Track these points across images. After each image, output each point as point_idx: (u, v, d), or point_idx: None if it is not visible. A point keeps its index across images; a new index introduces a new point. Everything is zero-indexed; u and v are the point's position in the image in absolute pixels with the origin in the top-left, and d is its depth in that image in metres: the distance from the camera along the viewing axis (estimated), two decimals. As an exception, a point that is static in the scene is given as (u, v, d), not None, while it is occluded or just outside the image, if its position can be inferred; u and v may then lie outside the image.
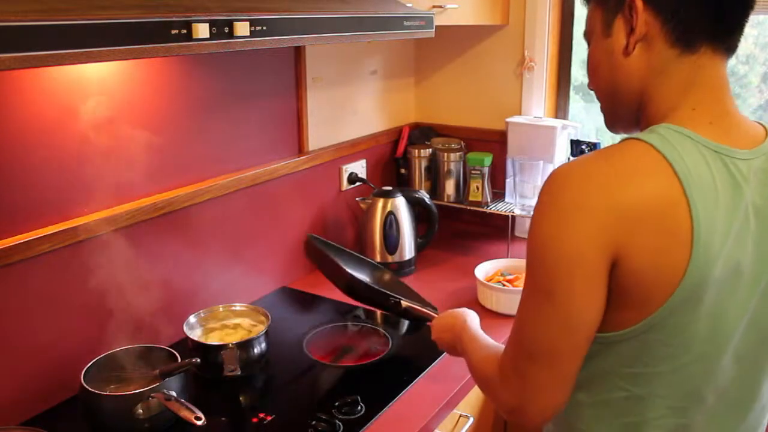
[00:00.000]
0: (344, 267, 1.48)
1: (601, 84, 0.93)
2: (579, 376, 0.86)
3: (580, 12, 2.17)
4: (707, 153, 0.81)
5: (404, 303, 1.45)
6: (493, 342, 1.07)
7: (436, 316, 1.34)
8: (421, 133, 2.30)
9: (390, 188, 1.98)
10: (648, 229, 0.77)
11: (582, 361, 0.84)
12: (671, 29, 0.84)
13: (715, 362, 0.86)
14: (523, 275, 1.76)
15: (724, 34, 0.85)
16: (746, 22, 0.86)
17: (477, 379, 1.02)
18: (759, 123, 0.91)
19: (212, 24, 0.98)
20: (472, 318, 1.21)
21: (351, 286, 1.46)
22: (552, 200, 0.81)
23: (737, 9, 0.85)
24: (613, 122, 0.97)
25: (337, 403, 1.32)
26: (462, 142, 2.24)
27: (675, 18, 0.83)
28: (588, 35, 0.95)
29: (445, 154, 2.20)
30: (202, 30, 0.96)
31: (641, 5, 0.84)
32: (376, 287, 1.49)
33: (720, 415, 0.90)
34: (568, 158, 2.07)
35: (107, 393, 1.26)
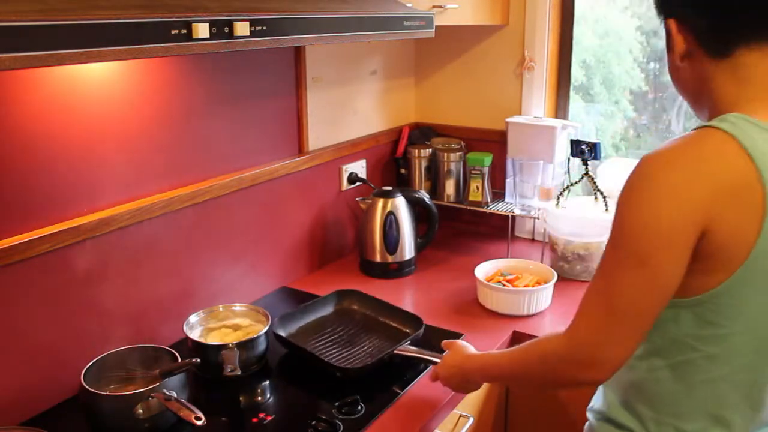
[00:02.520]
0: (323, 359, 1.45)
1: (677, 85, 1.07)
2: (654, 342, 0.99)
3: (580, 12, 2.17)
4: None
5: (400, 351, 1.44)
6: (515, 349, 1.15)
7: (438, 360, 1.36)
8: (421, 133, 2.30)
9: (390, 188, 1.98)
10: (733, 203, 0.89)
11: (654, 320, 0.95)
12: (703, 43, 0.97)
13: None
14: (523, 275, 1.79)
15: (730, 41, 0.96)
16: None
17: (525, 370, 1.11)
18: None
19: (212, 24, 0.98)
20: (470, 348, 1.32)
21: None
22: (649, 182, 0.91)
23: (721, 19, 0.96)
24: (695, 111, 1.08)
25: (337, 403, 1.32)
26: (462, 142, 2.24)
27: (704, 34, 0.96)
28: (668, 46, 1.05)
29: (445, 154, 2.20)
30: (202, 30, 0.96)
31: (675, 28, 0.99)
32: (370, 361, 1.44)
33: None
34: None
35: (107, 393, 1.26)
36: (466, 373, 1.27)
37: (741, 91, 0.96)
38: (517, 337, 1.64)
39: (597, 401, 1.16)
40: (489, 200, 2.13)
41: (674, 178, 0.90)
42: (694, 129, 0.95)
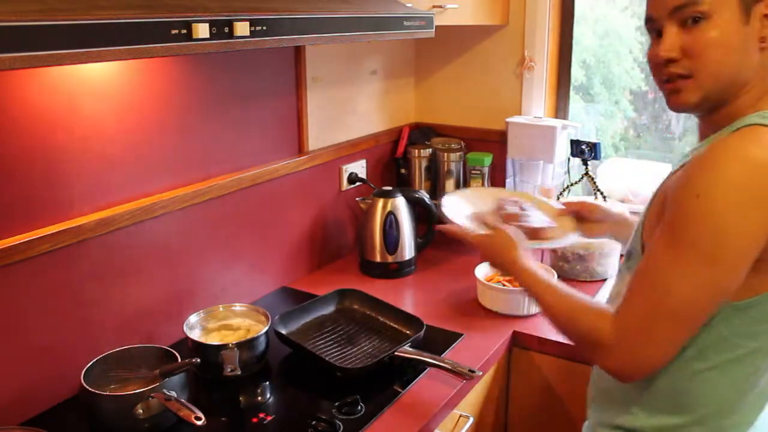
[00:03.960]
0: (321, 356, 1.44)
1: (725, 66, 0.95)
2: (696, 347, 0.97)
3: (580, 12, 2.17)
4: None
5: (400, 353, 1.43)
6: (571, 289, 1.11)
7: (438, 363, 1.36)
8: (421, 133, 2.30)
9: (390, 188, 1.98)
10: None
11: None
12: None
13: None
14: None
15: None
16: None
17: (573, 331, 1.07)
18: None
19: (212, 24, 0.98)
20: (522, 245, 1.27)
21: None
22: (721, 180, 0.88)
23: None
24: (702, 103, 0.99)
25: (337, 403, 1.32)
26: (462, 142, 2.24)
27: None
28: (702, 10, 0.93)
29: (445, 154, 2.20)
30: (202, 30, 0.96)
31: None
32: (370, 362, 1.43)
33: None
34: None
35: (107, 393, 1.26)
36: (511, 265, 1.22)
37: None
38: (517, 337, 1.64)
39: (618, 418, 1.10)
40: (489, 200, 2.12)
41: (743, 178, 0.88)
42: (735, 129, 0.93)
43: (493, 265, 1.31)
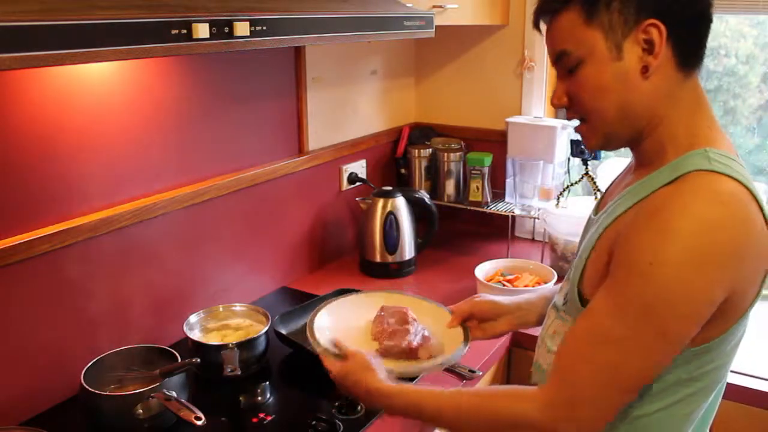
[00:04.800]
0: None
1: (607, 109, 0.93)
2: (653, 390, 0.92)
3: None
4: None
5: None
6: (462, 389, 1.04)
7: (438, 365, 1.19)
8: (421, 133, 2.30)
9: (390, 188, 1.98)
10: (757, 262, 0.87)
11: None
12: (679, 55, 0.90)
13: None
14: (523, 275, 1.79)
15: (702, 56, 0.93)
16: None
17: (489, 425, 0.96)
18: None
19: (212, 24, 0.98)
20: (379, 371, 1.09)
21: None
22: (678, 250, 0.83)
23: (707, 31, 0.93)
24: (603, 142, 0.98)
25: (337, 403, 1.32)
26: (462, 142, 2.24)
27: (682, 45, 0.89)
28: (574, 58, 0.92)
29: (445, 154, 2.20)
30: (202, 30, 0.96)
31: (665, 31, 0.88)
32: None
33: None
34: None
35: (107, 393, 1.26)
36: (368, 394, 1.06)
37: (696, 115, 0.92)
38: (517, 337, 1.64)
39: None
40: (489, 200, 2.13)
41: (703, 246, 0.82)
42: (681, 175, 0.87)
43: (352, 396, 1.13)
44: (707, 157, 0.87)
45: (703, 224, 0.83)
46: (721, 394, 1.02)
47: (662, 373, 0.90)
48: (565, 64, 0.94)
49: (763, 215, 0.86)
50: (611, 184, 1.13)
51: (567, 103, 0.97)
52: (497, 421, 0.95)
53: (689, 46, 0.91)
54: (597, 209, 1.08)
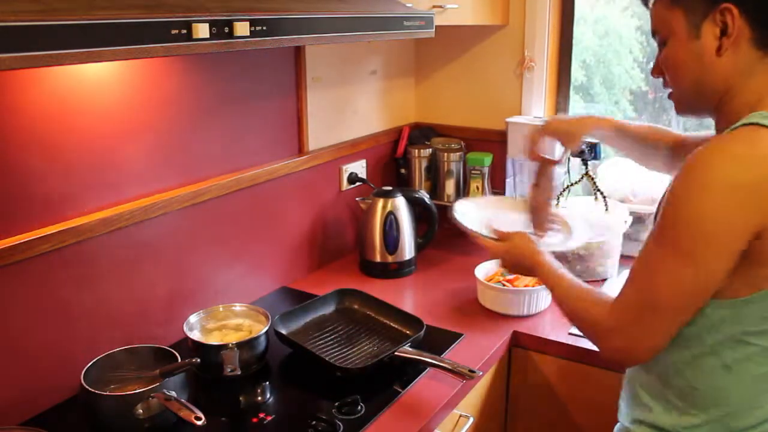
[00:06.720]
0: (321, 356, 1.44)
1: (684, 82, 1.05)
2: (706, 343, 1.00)
3: (580, 12, 2.17)
4: None
5: (400, 353, 1.43)
6: (579, 281, 1.17)
7: (438, 363, 1.38)
8: (421, 133, 2.30)
9: (390, 188, 1.98)
10: None
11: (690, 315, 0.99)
12: (759, 35, 0.97)
13: None
14: (523, 275, 1.78)
15: None
16: None
17: (575, 318, 1.14)
18: None
19: (212, 24, 0.98)
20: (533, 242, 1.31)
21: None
22: (701, 178, 0.92)
23: None
24: (686, 111, 1.11)
25: (337, 403, 1.32)
26: (462, 142, 2.24)
27: (762, 25, 0.96)
28: (662, 36, 1.05)
29: (445, 154, 2.20)
30: (202, 30, 0.96)
31: (737, 12, 0.96)
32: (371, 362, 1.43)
33: None
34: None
35: (107, 393, 1.26)
36: (539, 267, 1.25)
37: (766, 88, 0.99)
38: (517, 337, 1.64)
39: (640, 414, 1.13)
40: (489, 200, 2.13)
41: (732, 178, 0.90)
42: (734, 128, 0.95)
43: (517, 271, 1.36)
44: (764, 116, 0.94)
45: (734, 159, 0.91)
46: None
47: (721, 323, 0.98)
48: (658, 41, 1.07)
49: None
50: None
51: (659, 74, 1.09)
52: (579, 316, 1.13)
53: (766, 27, 0.97)
54: None
